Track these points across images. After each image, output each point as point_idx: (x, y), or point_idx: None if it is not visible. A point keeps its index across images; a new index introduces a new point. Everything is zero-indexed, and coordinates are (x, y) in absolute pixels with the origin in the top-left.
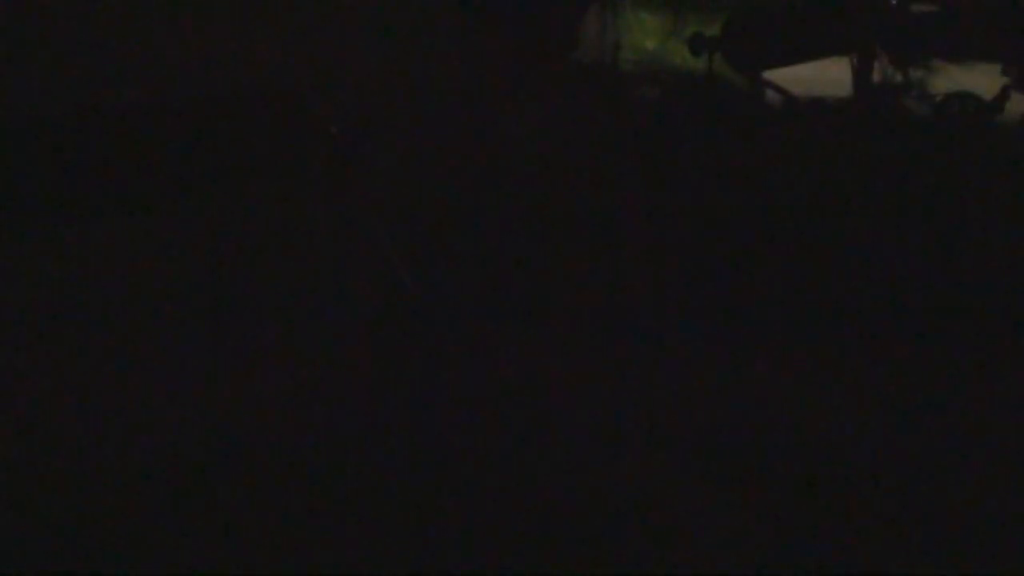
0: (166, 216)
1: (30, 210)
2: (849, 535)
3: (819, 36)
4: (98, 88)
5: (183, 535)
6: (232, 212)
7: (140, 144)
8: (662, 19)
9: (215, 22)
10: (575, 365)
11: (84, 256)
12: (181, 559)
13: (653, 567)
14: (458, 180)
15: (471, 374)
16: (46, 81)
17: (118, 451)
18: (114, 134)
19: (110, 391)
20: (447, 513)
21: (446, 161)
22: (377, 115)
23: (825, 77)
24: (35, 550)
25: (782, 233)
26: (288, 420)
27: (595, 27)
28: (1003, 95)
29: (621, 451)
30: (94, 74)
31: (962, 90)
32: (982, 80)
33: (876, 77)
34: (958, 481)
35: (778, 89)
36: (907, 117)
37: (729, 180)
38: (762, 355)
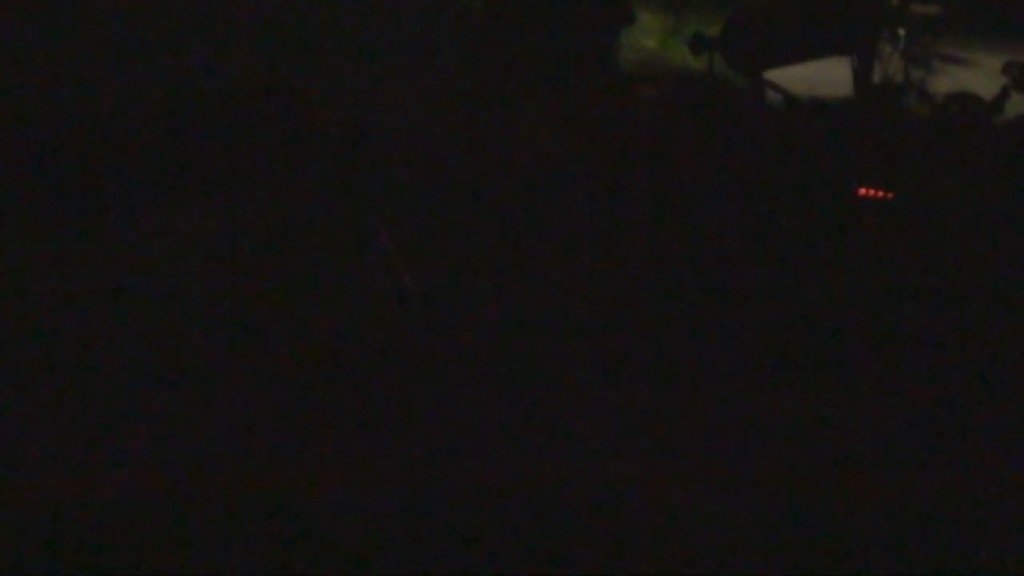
0: (166, 214)
1: (33, 208)
2: (849, 537)
3: (819, 36)
4: (99, 88)
5: (187, 527)
6: (232, 211)
7: (141, 143)
8: (662, 19)
9: (219, 23)
10: (578, 368)
11: (83, 254)
12: (180, 557)
13: (653, 567)
14: (460, 180)
15: (471, 375)
16: (47, 82)
17: (120, 447)
18: (115, 134)
19: (111, 388)
20: (448, 513)
21: (448, 161)
22: (378, 115)
23: (825, 77)
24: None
25: (782, 233)
26: (289, 418)
27: None
28: (1003, 95)
29: (624, 454)
30: (95, 74)
31: (962, 90)
32: (982, 80)
33: (876, 77)
34: (959, 483)
35: (778, 89)
36: (907, 117)
37: (729, 180)
38: (764, 359)
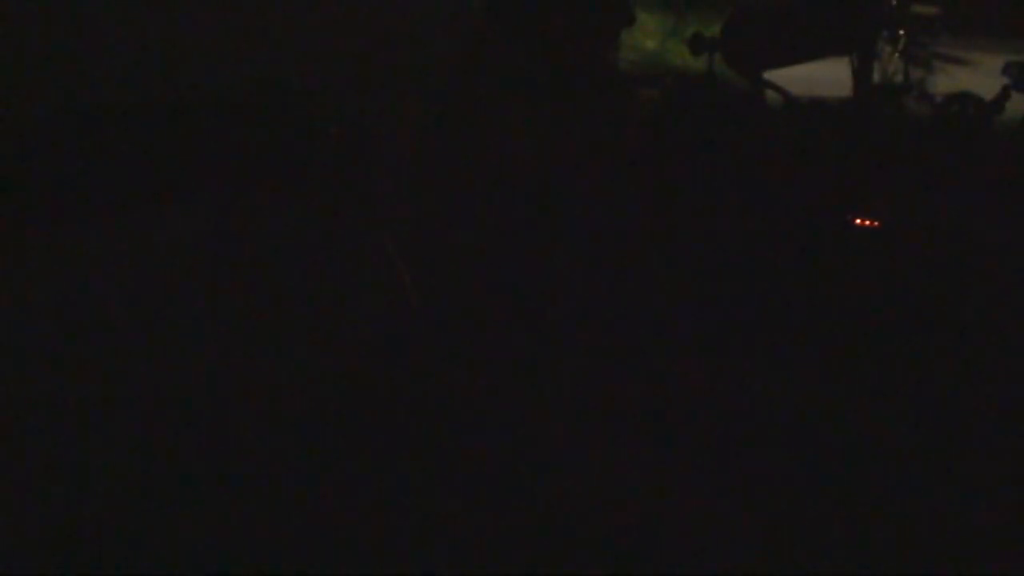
0: (166, 216)
1: (33, 208)
2: (849, 536)
3: (819, 36)
4: (100, 88)
5: (178, 532)
6: (231, 212)
7: (141, 144)
8: (662, 19)
9: (217, 23)
10: (578, 370)
11: (84, 254)
12: (176, 559)
13: (653, 567)
14: (460, 181)
15: (472, 375)
16: (49, 82)
17: (116, 448)
18: (115, 134)
19: (109, 388)
20: (447, 517)
21: (448, 162)
22: (378, 115)
23: (825, 77)
24: (36, 547)
25: (781, 233)
26: (288, 424)
27: None
28: (1003, 95)
29: (622, 455)
30: (95, 75)
31: (962, 90)
32: (982, 80)
33: (876, 77)
34: (958, 480)
35: (778, 89)
36: (907, 117)
37: (729, 181)
38: (763, 355)
